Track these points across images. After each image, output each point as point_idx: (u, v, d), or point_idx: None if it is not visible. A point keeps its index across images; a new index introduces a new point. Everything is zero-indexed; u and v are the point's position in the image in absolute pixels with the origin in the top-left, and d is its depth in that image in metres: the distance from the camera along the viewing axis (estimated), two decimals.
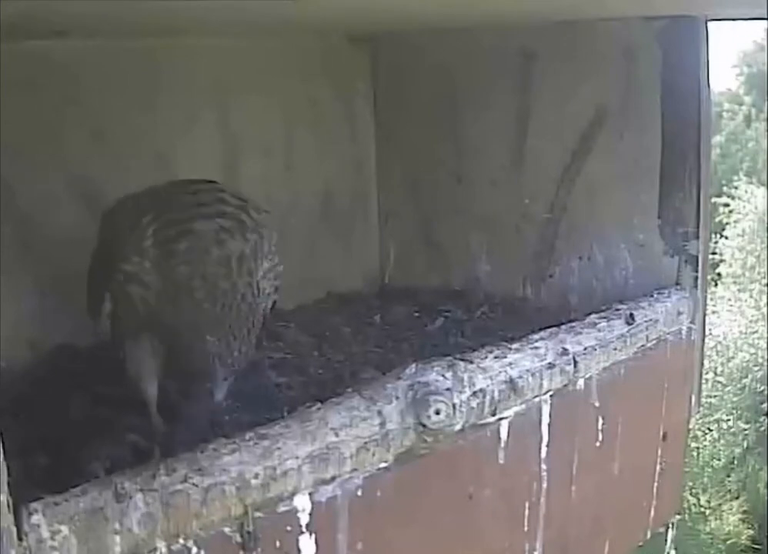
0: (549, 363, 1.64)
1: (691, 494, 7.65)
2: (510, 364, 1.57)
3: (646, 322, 1.89)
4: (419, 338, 2.18)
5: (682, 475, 2.30)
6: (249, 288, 1.34)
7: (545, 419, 1.65)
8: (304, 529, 1.25)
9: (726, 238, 10.20)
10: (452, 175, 2.46)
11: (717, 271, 9.74)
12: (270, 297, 1.46)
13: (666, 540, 2.19)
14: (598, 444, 1.81)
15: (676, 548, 2.23)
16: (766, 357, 8.70)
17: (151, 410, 1.53)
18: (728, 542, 7.89)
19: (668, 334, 1.98)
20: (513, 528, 1.64)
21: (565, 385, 1.68)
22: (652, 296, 2.00)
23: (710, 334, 7.76)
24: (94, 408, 1.68)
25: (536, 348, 1.65)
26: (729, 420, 8.59)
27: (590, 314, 1.86)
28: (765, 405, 8.81)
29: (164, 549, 1.10)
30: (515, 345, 1.63)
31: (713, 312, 8.52)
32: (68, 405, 1.69)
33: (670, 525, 2.18)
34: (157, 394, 1.52)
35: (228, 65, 2.20)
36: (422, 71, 2.45)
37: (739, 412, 8.73)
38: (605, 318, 1.84)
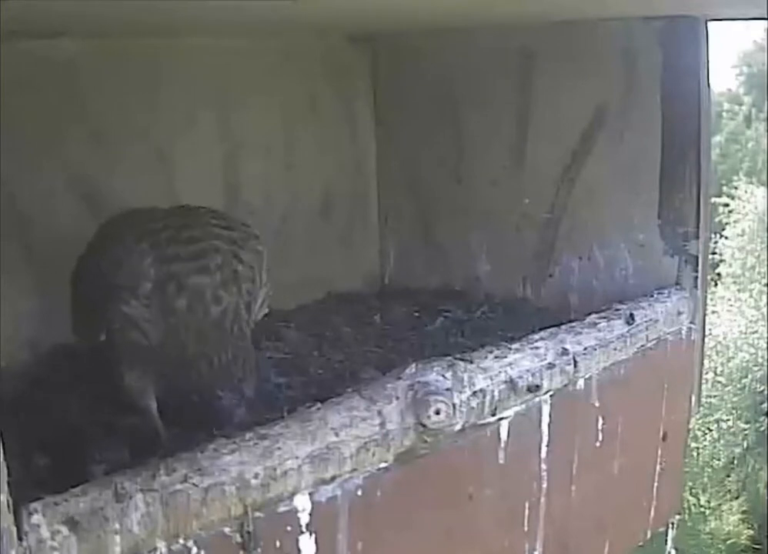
0: (549, 363, 1.64)
1: (691, 494, 7.65)
2: (510, 364, 1.57)
3: (646, 322, 1.89)
4: (419, 338, 2.18)
5: (682, 475, 2.30)
6: (243, 333, 1.42)
7: (545, 419, 1.65)
8: (304, 529, 1.25)
9: (726, 238, 10.21)
10: (452, 175, 2.46)
11: (717, 271, 9.74)
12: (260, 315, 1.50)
13: (666, 540, 2.19)
14: (598, 444, 1.81)
15: (676, 549, 2.23)
16: (766, 357, 8.70)
17: (153, 418, 1.53)
18: (728, 542, 7.90)
19: (668, 334, 1.98)
20: (513, 528, 1.64)
21: (565, 385, 1.68)
22: (652, 296, 2.00)
23: (710, 334, 7.77)
24: (94, 408, 1.68)
25: (536, 348, 1.65)
26: (729, 420, 8.60)
27: (590, 314, 1.86)
28: (765, 405, 8.81)
29: (164, 549, 1.10)
30: (515, 345, 1.63)
31: (713, 312, 8.53)
32: (67, 405, 1.69)
33: (670, 525, 2.17)
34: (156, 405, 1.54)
35: (228, 65, 2.20)
36: (422, 71, 2.45)
37: (739, 412, 8.74)
38: (605, 318, 1.84)
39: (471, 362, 1.51)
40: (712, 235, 8.69)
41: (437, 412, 1.39)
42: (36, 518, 1.00)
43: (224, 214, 1.59)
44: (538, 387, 1.69)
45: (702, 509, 7.85)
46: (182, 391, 1.41)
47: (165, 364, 1.42)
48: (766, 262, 9.58)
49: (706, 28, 2.05)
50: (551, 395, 1.65)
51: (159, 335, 1.40)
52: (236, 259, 1.45)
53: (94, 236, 1.59)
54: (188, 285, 1.39)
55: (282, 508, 1.22)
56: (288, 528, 1.24)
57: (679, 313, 2.01)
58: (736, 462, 8.70)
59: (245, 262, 1.46)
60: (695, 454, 7.90)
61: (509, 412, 1.56)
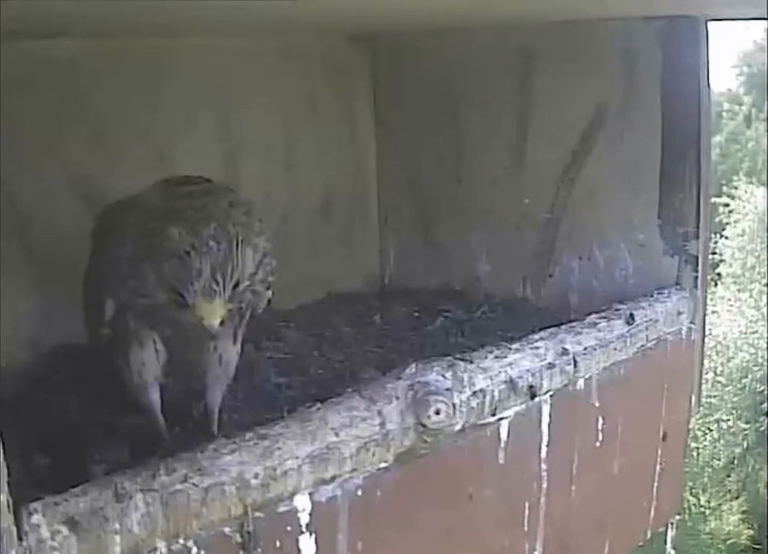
0: (549, 363, 1.64)
1: (691, 494, 7.65)
2: (510, 364, 1.57)
3: (646, 322, 1.89)
4: (419, 338, 2.18)
5: (682, 475, 2.30)
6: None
7: (545, 419, 1.65)
8: (304, 529, 1.25)
9: (726, 238, 10.21)
10: (452, 175, 2.46)
11: (717, 271, 9.74)
12: (262, 295, 1.48)
13: (665, 540, 2.19)
14: (598, 444, 1.81)
15: (675, 548, 2.23)
16: (766, 357, 8.70)
17: (155, 415, 1.53)
18: (728, 542, 7.90)
19: (668, 334, 1.98)
20: (513, 528, 1.64)
21: (565, 385, 1.68)
22: (652, 296, 2.00)
23: (710, 334, 7.77)
24: (94, 408, 1.68)
25: (536, 348, 1.65)
26: (729, 420, 8.60)
27: (590, 314, 1.86)
28: (765, 405, 8.81)
29: (164, 549, 1.10)
30: (515, 345, 1.63)
31: (713, 312, 8.52)
32: (67, 405, 1.70)
33: (670, 525, 2.17)
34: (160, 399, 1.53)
35: (228, 65, 2.20)
36: (422, 71, 2.45)
37: (739, 412, 8.74)
38: (605, 318, 1.84)
39: (471, 362, 1.51)
40: (712, 235, 8.69)
41: (437, 412, 1.39)
42: (36, 518, 1.00)
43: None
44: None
45: (702, 509, 7.85)
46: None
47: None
48: (766, 262, 9.58)
49: (706, 28, 2.05)
50: (551, 395, 1.65)
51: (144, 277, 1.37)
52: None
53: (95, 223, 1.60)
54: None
55: (282, 508, 1.22)
56: (288, 528, 1.24)
57: (679, 313, 2.01)
58: (736, 462, 8.70)
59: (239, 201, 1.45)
60: (695, 454, 7.90)
61: (509, 412, 1.56)
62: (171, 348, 1.52)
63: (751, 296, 9.47)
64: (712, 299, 8.40)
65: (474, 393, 1.47)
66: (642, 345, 1.89)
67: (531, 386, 1.60)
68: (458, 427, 1.44)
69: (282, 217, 2.36)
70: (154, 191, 1.50)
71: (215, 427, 1.60)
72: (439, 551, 1.49)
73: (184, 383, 1.65)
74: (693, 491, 7.77)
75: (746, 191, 10.57)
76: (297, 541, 1.25)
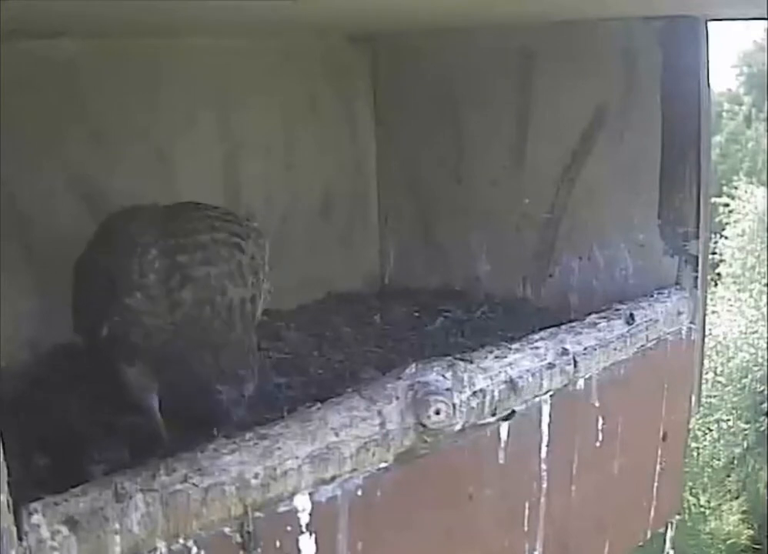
0: (549, 363, 1.64)
1: (691, 494, 7.65)
2: (510, 364, 1.57)
3: (646, 322, 1.89)
4: (419, 338, 2.18)
5: (682, 475, 2.30)
6: (248, 327, 1.41)
7: (546, 419, 1.65)
8: (304, 529, 1.25)
9: (726, 238, 10.21)
10: (452, 175, 2.46)
11: (717, 271, 9.74)
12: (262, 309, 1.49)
13: (664, 540, 2.19)
14: (598, 444, 1.81)
15: (674, 548, 2.23)
16: (766, 357, 8.70)
17: (155, 418, 1.53)
18: (728, 542, 7.90)
19: (668, 334, 1.98)
20: (513, 528, 1.64)
21: (565, 385, 1.68)
22: (652, 296, 2.00)
23: (710, 334, 7.77)
24: (94, 408, 1.68)
25: (536, 348, 1.65)
26: (729, 420, 8.60)
27: (590, 314, 1.86)
28: (765, 405, 8.81)
29: (164, 549, 1.10)
30: (515, 345, 1.63)
31: (713, 312, 8.52)
32: (67, 405, 1.69)
33: (669, 525, 2.17)
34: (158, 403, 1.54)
35: (228, 65, 2.20)
36: (422, 71, 2.45)
37: (739, 412, 8.73)
38: (605, 318, 1.84)
39: (471, 362, 1.51)
40: (712, 235, 8.68)
41: (437, 412, 1.39)
42: (36, 518, 1.00)
43: (225, 209, 1.58)
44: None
45: (702, 509, 7.85)
46: (184, 387, 1.41)
47: (168, 359, 1.41)
48: (766, 262, 9.58)
49: (706, 28, 2.05)
50: (551, 395, 1.65)
51: (162, 328, 1.39)
52: (240, 251, 1.44)
53: (95, 233, 1.59)
54: (193, 276, 1.37)
55: (282, 508, 1.22)
56: (288, 528, 1.24)
57: (679, 313, 2.01)
58: (736, 462, 8.70)
59: (249, 254, 1.45)
60: (695, 454, 7.90)
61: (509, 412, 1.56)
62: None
63: (751, 296, 9.47)
64: (712, 299, 8.40)
65: (474, 393, 1.47)
66: (642, 345, 1.89)
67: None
68: (458, 427, 1.44)
69: (282, 217, 2.36)
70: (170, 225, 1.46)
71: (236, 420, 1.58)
72: (439, 551, 1.49)
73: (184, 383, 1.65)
74: (693, 491, 7.77)
75: (746, 191, 10.56)
76: (297, 541, 1.25)
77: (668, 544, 2.20)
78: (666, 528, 2.17)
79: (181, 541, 1.12)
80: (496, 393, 1.52)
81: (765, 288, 9.42)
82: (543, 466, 1.67)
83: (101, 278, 1.47)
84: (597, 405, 1.78)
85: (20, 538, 0.98)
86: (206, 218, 1.47)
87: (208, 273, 1.38)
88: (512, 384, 1.55)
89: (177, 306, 1.38)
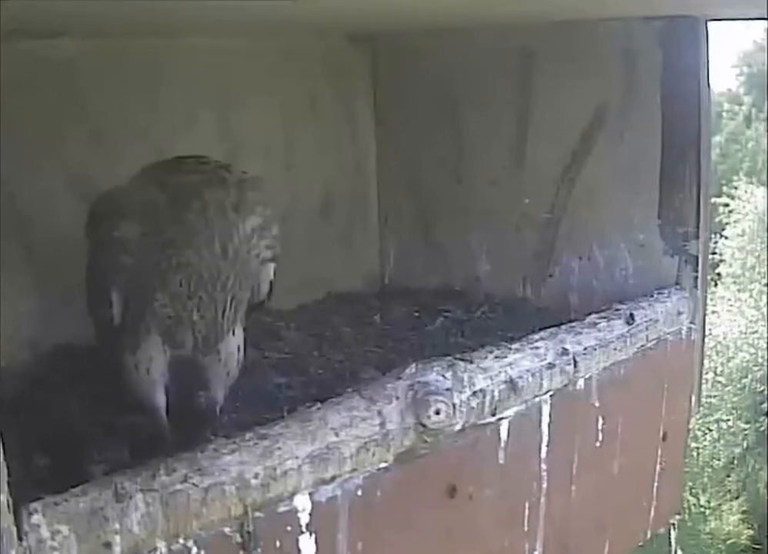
0: (549, 363, 1.64)
1: (691, 494, 7.65)
2: (510, 364, 1.57)
3: (646, 322, 1.89)
4: (419, 338, 2.18)
5: (682, 475, 2.30)
6: (231, 239, 1.38)
7: (546, 419, 1.65)
8: (304, 529, 1.25)
9: (726, 238, 10.21)
10: (452, 175, 2.46)
11: (717, 271, 9.74)
12: (266, 265, 1.47)
13: (669, 541, 2.19)
14: (598, 444, 1.81)
15: (683, 549, 2.23)
16: (766, 357, 8.70)
17: (160, 415, 1.52)
18: (728, 542, 7.90)
19: (668, 334, 1.98)
20: (513, 528, 1.64)
21: (565, 385, 1.68)
22: (652, 296, 2.00)
23: (710, 334, 7.76)
24: (94, 408, 1.68)
25: (536, 348, 1.65)
26: (729, 420, 8.60)
27: (590, 314, 1.86)
28: (765, 405, 8.81)
29: (164, 549, 1.10)
30: (515, 345, 1.63)
31: (713, 312, 8.52)
32: (67, 405, 1.69)
33: (672, 526, 2.17)
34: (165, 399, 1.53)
35: (228, 65, 2.20)
36: (422, 71, 2.45)
37: (739, 412, 8.73)
38: (605, 318, 1.84)
39: (471, 362, 1.51)
40: (712, 235, 8.68)
41: (437, 412, 1.39)
42: (36, 518, 1.00)
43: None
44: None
45: (702, 509, 7.85)
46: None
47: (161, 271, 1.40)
48: (766, 262, 9.58)
49: (706, 28, 2.05)
50: (551, 395, 1.65)
51: (149, 241, 1.37)
52: (224, 169, 1.43)
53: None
54: (170, 183, 1.37)
55: (282, 508, 1.22)
56: (288, 528, 1.24)
57: (679, 313, 2.01)
58: (736, 462, 8.70)
59: (233, 173, 1.44)
60: (695, 454, 7.90)
61: (509, 412, 1.56)
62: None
63: (751, 296, 9.46)
64: (712, 299, 8.40)
65: (474, 393, 1.47)
66: (642, 345, 1.89)
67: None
68: (458, 427, 1.44)
69: (282, 217, 2.34)
70: (153, 186, 1.45)
71: (213, 427, 1.59)
72: (439, 551, 1.49)
73: (185, 382, 1.65)
74: (693, 491, 7.77)
75: (746, 191, 10.56)
76: (297, 541, 1.25)
77: (673, 544, 2.20)
78: (670, 528, 2.17)
79: (181, 541, 1.12)
80: (496, 393, 1.52)
81: (765, 288, 9.42)
82: (543, 466, 1.67)
83: (100, 230, 1.47)
84: (597, 405, 1.78)
85: (20, 538, 0.98)
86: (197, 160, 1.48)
87: (185, 181, 1.37)
88: (512, 384, 1.55)
89: (157, 213, 1.36)
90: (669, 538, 2.18)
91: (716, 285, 9.51)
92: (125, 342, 1.50)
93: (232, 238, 1.38)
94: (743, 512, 8.21)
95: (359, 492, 1.32)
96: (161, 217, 1.37)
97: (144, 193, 1.41)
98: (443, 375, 1.44)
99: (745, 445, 8.71)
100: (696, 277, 2.08)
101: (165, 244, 1.36)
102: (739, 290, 9.67)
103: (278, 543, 1.22)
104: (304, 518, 1.25)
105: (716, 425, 8.49)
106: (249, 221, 1.43)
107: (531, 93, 2.27)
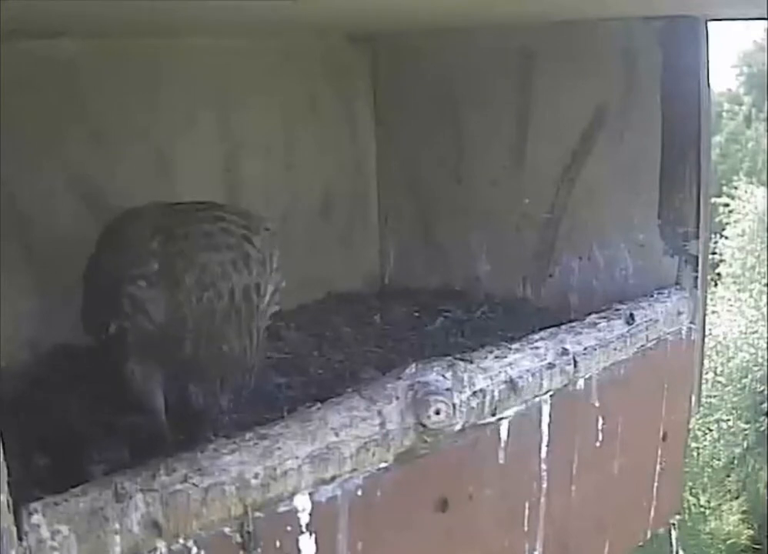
0: (549, 363, 1.64)
1: (691, 494, 7.65)
2: (510, 364, 1.57)
3: (646, 322, 1.89)
4: (419, 338, 2.18)
5: (682, 475, 2.30)
6: (253, 320, 1.38)
7: (546, 419, 1.65)
8: (304, 529, 1.25)
9: (726, 238, 10.21)
10: (452, 175, 2.46)
11: (717, 271, 9.74)
12: (271, 310, 1.48)
13: (671, 542, 2.19)
14: (598, 444, 1.81)
15: (684, 550, 2.23)
16: (766, 357, 8.70)
17: (159, 417, 1.52)
18: (728, 542, 7.90)
19: (668, 334, 1.98)
20: (513, 528, 1.64)
21: (565, 385, 1.68)
22: (652, 296, 2.00)
23: (710, 334, 7.76)
24: (94, 408, 1.68)
25: (536, 348, 1.65)
26: (729, 420, 8.60)
27: (590, 314, 1.86)
28: (765, 405, 8.81)
29: (164, 549, 1.10)
30: (515, 345, 1.63)
31: (713, 312, 8.52)
32: (67, 405, 1.69)
33: (673, 526, 2.17)
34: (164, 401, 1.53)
35: (228, 65, 2.20)
36: (422, 71, 2.45)
37: (739, 412, 8.73)
38: (605, 318, 1.84)
39: (471, 362, 1.51)
40: (712, 235, 8.68)
41: (437, 412, 1.39)
42: (36, 518, 1.00)
43: (235, 206, 1.58)
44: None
45: (702, 509, 7.85)
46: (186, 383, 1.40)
47: (172, 351, 1.40)
48: (766, 262, 9.58)
49: (706, 28, 2.05)
50: (551, 395, 1.65)
51: (165, 316, 1.36)
52: (247, 242, 1.42)
53: (101, 233, 1.58)
54: (197, 261, 1.35)
55: (282, 508, 1.22)
56: (288, 528, 1.24)
57: (679, 313, 2.01)
58: (736, 462, 8.70)
59: (256, 246, 1.43)
60: (695, 454, 7.90)
61: (509, 412, 1.56)
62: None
63: (751, 296, 9.46)
64: (712, 299, 8.40)
65: (474, 393, 1.47)
66: (642, 345, 1.89)
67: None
68: (458, 427, 1.44)
69: (282, 217, 2.36)
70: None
71: (214, 427, 1.59)
72: (439, 551, 1.49)
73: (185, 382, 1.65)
74: (693, 491, 7.77)
75: (746, 191, 10.56)
76: (297, 541, 1.25)
77: (675, 544, 2.20)
78: (670, 529, 2.17)
79: (181, 541, 1.12)
80: (496, 393, 1.52)
81: (765, 288, 9.42)
82: (543, 466, 1.67)
83: (107, 276, 1.46)
84: (597, 405, 1.78)
85: (20, 538, 0.98)
86: (213, 209, 1.47)
87: (211, 259, 1.36)
88: (512, 384, 1.55)
89: (179, 291, 1.35)
90: (671, 538, 2.18)
91: (716, 285, 9.51)
92: (120, 348, 1.50)
93: (253, 318, 1.39)
94: (743, 512, 8.21)
95: (359, 492, 1.32)
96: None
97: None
98: (443, 375, 1.44)
99: (745, 445, 8.71)
100: (696, 277, 2.08)
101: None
102: (739, 290, 9.67)
103: (278, 543, 1.22)
104: (304, 518, 1.25)
105: (716, 425, 8.49)
106: (269, 295, 1.44)
107: (531, 93, 2.27)
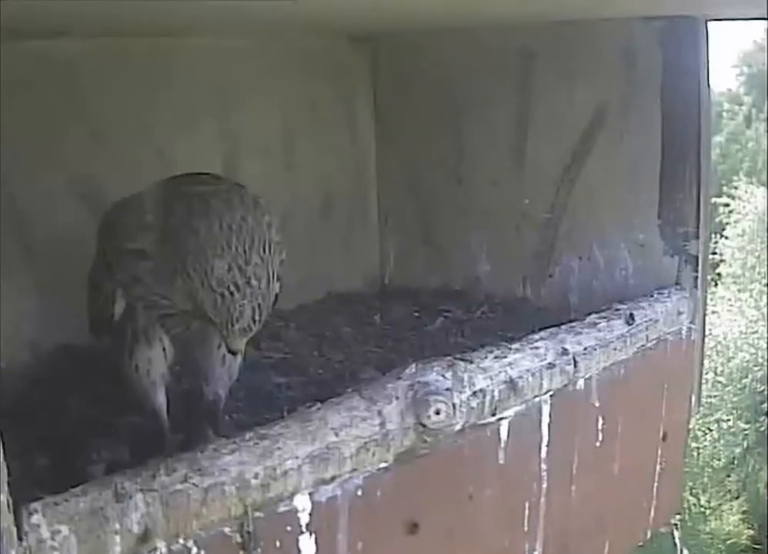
0: (549, 363, 1.64)
1: (691, 494, 7.64)
2: (510, 364, 1.57)
3: (646, 322, 1.89)
4: (418, 338, 2.18)
5: (682, 475, 2.30)
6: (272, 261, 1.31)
7: (546, 419, 1.65)
8: (304, 529, 1.25)
9: (726, 238, 10.20)
10: (452, 175, 2.46)
11: (717, 271, 9.73)
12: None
13: (674, 542, 2.19)
14: (598, 444, 1.81)
15: (689, 549, 2.23)
16: (766, 357, 8.69)
17: (161, 416, 1.52)
18: (728, 542, 7.89)
19: (668, 334, 1.98)
20: (513, 529, 1.64)
21: (565, 385, 1.68)
22: (652, 296, 2.00)
23: (710, 334, 7.76)
24: (94, 409, 1.68)
25: (536, 348, 1.65)
26: (729, 420, 8.59)
27: (590, 314, 1.86)
28: (765, 405, 8.80)
29: (164, 549, 1.10)
30: (515, 345, 1.63)
31: (713, 312, 8.51)
32: (67, 405, 1.70)
33: (675, 527, 2.17)
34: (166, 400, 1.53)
35: (229, 65, 2.20)
36: (422, 71, 2.45)
37: (739, 412, 8.73)
38: (605, 318, 1.84)
39: (471, 362, 1.51)
40: (712, 235, 8.68)
41: (437, 412, 1.39)
42: (36, 518, 1.00)
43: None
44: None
45: (702, 509, 7.85)
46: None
47: (178, 321, 1.38)
48: (766, 262, 9.57)
49: (706, 28, 2.05)
50: (551, 395, 1.65)
51: (168, 284, 1.31)
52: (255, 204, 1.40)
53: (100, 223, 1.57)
54: (194, 225, 1.27)
55: (282, 508, 1.22)
56: (288, 528, 1.24)
57: (679, 313, 2.01)
58: (736, 462, 8.69)
59: (252, 214, 1.38)
60: (695, 454, 7.89)
61: (509, 412, 1.56)
62: (177, 346, 1.50)
63: (751, 296, 9.46)
64: (712, 299, 8.39)
65: (474, 393, 1.47)
66: (642, 345, 1.89)
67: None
68: (458, 427, 1.44)
69: (282, 217, 2.34)
70: (167, 193, 1.42)
71: (215, 427, 1.59)
72: (438, 551, 1.49)
73: (186, 382, 1.65)
74: (693, 491, 7.76)
75: (746, 191, 10.55)
76: (297, 541, 1.25)
77: (678, 543, 2.20)
78: (672, 529, 2.17)
79: (181, 541, 1.12)
80: (496, 393, 1.52)
81: (765, 288, 9.41)
82: (543, 466, 1.67)
83: (108, 253, 1.45)
84: (597, 405, 1.78)
85: (20, 538, 0.98)
86: (208, 178, 1.45)
87: (209, 224, 1.29)
88: (512, 384, 1.55)
89: (173, 214, 1.31)
90: (674, 538, 2.18)
91: (716, 285, 9.50)
92: (124, 342, 1.49)
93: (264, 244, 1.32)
94: (743, 512, 8.21)
95: (359, 492, 1.32)
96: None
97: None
98: (443, 375, 1.44)
99: (745, 445, 8.70)
100: (696, 277, 2.08)
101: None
102: (739, 290, 9.66)
103: (278, 543, 1.22)
104: (304, 518, 1.25)
105: (716, 425, 8.48)
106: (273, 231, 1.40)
107: (531, 93, 2.27)
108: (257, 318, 1.26)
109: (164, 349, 1.48)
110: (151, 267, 1.35)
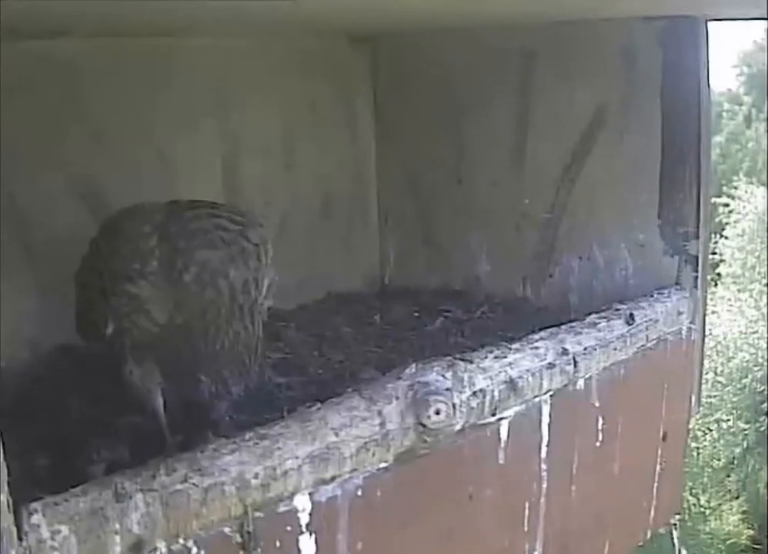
0: (549, 363, 1.64)
1: (691, 494, 7.64)
2: (510, 364, 1.57)
3: (646, 322, 1.89)
4: (418, 338, 2.18)
5: (682, 475, 2.30)
6: (252, 312, 1.37)
7: (546, 419, 1.65)
8: (304, 529, 1.25)
9: (726, 238, 10.19)
10: (452, 175, 2.46)
11: (717, 271, 9.73)
12: (267, 303, 1.48)
13: (672, 542, 2.19)
14: (598, 444, 1.81)
15: (687, 549, 2.23)
16: (766, 357, 8.69)
17: (159, 417, 1.52)
18: (728, 542, 7.88)
19: (668, 334, 1.98)
20: (513, 528, 1.64)
21: (565, 385, 1.68)
22: (652, 296, 2.00)
23: (710, 334, 7.76)
24: (93, 408, 1.68)
25: (536, 348, 1.65)
26: (729, 420, 8.59)
27: (590, 314, 1.86)
28: (765, 405, 8.80)
29: (164, 549, 1.10)
30: (515, 345, 1.63)
31: (713, 312, 8.51)
32: (67, 405, 1.69)
33: (674, 527, 2.17)
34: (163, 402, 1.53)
35: (228, 65, 2.20)
36: (423, 71, 2.45)
37: (739, 412, 8.72)
38: (605, 318, 1.84)
39: (471, 362, 1.51)
40: (712, 235, 8.68)
41: (437, 412, 1.39)
42: (36, 518, 1.00)
43: (227, 205, 1.58)
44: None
45: (702, 509, 7.84)
46: (187, 380, 1.40)
47: (172, 351, 1.39)
48: (766, 262, 9.57)
49: (706, 28, 2.05)
50: (551, 395, 1.65)
51: (166, 315, 1.36)
52: (242, 237, 1.42)
53: (97, 233, 1.58)
54: (195, 259, 1.35)
55: (282, 508, 1.22)
56: (288, 528, 1.24)
57: (679, 313, 2.01)
58: (736, 462, 8.69)
59: (251, 240, 1.43)
60: (695, 454, 7.89)
61: (509, 412, 1.56)
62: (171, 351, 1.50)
63: (751, 296, 9.45)
64: (712, 299, 8.39)
65: (474, 393, 1.47)
66: (642, 345, 1.89)
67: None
68: (458, 427, 1.44)
69: (282, 217, 2.36)
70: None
71: (215, 428, 1.59)
72: (439, 551, 1.49)
73: (185, 383, 1.65)
74: (693, 491, 7.76)
75: (746, 191, 10.55)
76: (297, 541, 1.25)
77: (677, 543, 2.20)
78: (672, 529, 2.17)
79: (181, 541, 1.12)
80: (496, 393, 1.52)
81: (765, 288, 9.41)
82: (543, 466, 1.67)
83: (105, 276, 1.46)
84: (597, 405, 1.78)
85: (20, 538, 0.98)
86: (206, 206, 1.47)
87: (210, 257, 1.36)
88: (512, 384, 1.55)
89: (179, 290, 1.35)
90: (672, 538, 2.18)
91: (716, 285, 9.50)
92: (119, 350, 1.49)
93: (253, 312, 1.39)
94: (743, 512, 8.20)
95: (359, 492, 1.32)
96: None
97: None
98: (443, 375, 1.44)
99: (745, 445, 8.70)
100: (696, 277, 2.08)
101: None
102: (739, 290, 9.65)
103: (278, 543, 1.22)
104: (304, 518, 1.25)
105: (716, 425, 8.48)
106: (266, 284, 1.44)
107: (531, 93, 2.27)
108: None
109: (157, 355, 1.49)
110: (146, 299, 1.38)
